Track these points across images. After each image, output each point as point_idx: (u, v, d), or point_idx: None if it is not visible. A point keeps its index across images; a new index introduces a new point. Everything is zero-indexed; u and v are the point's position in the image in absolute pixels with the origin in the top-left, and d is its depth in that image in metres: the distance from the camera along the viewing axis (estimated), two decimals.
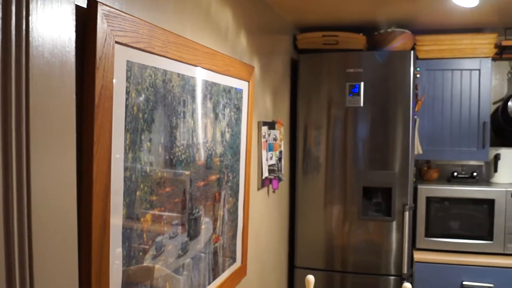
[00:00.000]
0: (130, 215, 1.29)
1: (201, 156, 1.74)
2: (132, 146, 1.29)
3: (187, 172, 1.63)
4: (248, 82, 2.17)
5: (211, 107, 1.79)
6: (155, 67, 1.39)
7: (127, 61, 1.25)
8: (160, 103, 1.42)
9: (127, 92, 1.26)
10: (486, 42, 3.25)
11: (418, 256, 3.15)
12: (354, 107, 3.09)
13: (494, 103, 3.63)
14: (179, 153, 1.56)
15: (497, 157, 3.37)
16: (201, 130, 1.72)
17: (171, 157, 1.51)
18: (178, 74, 1.52)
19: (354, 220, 3.14)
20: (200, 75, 1.69)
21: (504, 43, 3.30)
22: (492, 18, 3.05)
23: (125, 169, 1.27)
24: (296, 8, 2.86)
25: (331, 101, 3.14)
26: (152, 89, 1.38)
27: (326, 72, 3.14)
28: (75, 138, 1.02)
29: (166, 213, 1.49)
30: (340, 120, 3.14)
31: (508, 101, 3.39)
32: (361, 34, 3.21)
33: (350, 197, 3.14)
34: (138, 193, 1.33)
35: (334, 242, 3.19)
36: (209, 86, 1.77)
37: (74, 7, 1.00)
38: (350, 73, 3.08)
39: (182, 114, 1.56)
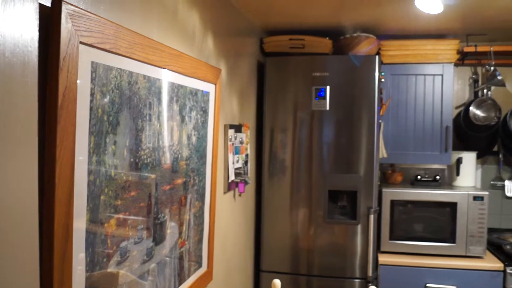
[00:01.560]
0: (94, 220, 1.26)
1: (167, 159, 1.71)
2: (97, 149, 1.26)
3: (152, 176, 1.60)
4: (215, 84, 2.16)
5: (177, 109, 1.77)
6: (120, 69, 1.36)
7: (92, 62, 1.22)
8: (125, 105, 1.40)
9: (92, 94, 1.23)
10: (448, 48, 3.32)
11: (382, 259, 3.18)
12: (320, 110, 3.11)
13: (457, 107, 3.71)
14: (145, 156, 1.53)
15: (459, 161, 3.44)
16: (167, 133, 1.70)
17: (137, 160, 1.48)
18: (144, 76, 1.50)
19: (319, 223, 3.15)
20: (166, 77, 1.66)
21: (466, 49, 3.38)
22: (455, 24, 3.12)
23: (89, 172, 1.23)
24: (262, 11, 2.86)
25: (297, 104, 3.15)
26: (118, 91, 1.35)
27: (292, 76, 3.15)
28: (37, 140, 0.99)
29: (131, 218, 1.46)
30: (306, 123, 3.15)
31: (469, 106, 3.47)
32: (327, 38, 3.23)
33: (315, 200, 3.15)
34: (102, 197, 1.30)
35: (300, 245, 3.19)
36: (176, 89, 1.75)
37: (37, 6, 0.97)
38: (316, 76, 3.10)
39: (148, 116, 1.53)
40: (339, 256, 3.13)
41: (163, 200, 1.71)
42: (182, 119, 1.82)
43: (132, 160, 1.45)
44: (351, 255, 3.12)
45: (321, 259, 3.16)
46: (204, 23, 2.13)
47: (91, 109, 1.23)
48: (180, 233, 1.89)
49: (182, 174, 1.86)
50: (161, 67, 1.61)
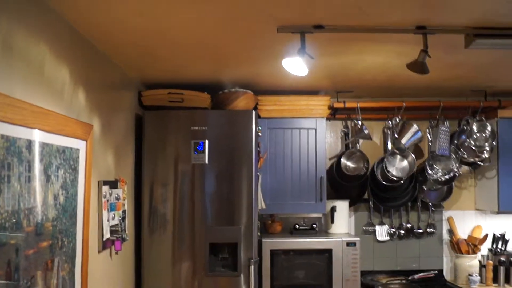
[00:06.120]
0: None
1: (30, 222, 1.62)
2: None
3: (12, 241, 1.50)
4: (86, 141, 2.10)
5: (42, 169, 1.69)
6: None
7: None
8: None
9: None
10: (320, 104, 3.53)
11: None
12: (200, 164, 3.13)
13: (330, 159, 3.92)
14: (3, 220, 1.44)
15: (333, 209, 3.62)
16: (30, 195, 1.61)
17: None
18: (3, 136, 1.42)
19: (202, 276, 3.12)
20: (29, 136, 1.59)
21: (336, 105, 3.62)
22: (325, 82, 3.34)
23: None
24: (140, 66, 2.87)
25: (178, 158, 3.15)
26: None
27: (172, 129, 3.16)
28: None
29: None
30: (187, 177, 3.15)
31: (341, 157, 3.69)
32: (206, 93, 3.30)
33: (198, 253, 3.13)
34: None
35: None
36: (40, 147, 1.68)
37: None
38: (195, 130, 3.13)
39: (6, 178, 1.45)
40: None
41: (26, 266, 1.60)
42: (48, 179, 1.75)
43: None
44: None
45: None
46: (75, 78, 2.08)
47: None
48: None
49: (48, 237, 1.77)
50: (23, 126, 1.54)
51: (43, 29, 1.78)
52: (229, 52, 2.57)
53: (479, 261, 3.85)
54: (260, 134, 3.39)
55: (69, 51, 2.03)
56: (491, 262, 3.77)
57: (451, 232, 3.98)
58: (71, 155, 1.95)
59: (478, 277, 3.73)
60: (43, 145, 1.70)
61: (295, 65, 2.36)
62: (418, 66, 2.24)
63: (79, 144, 2.04)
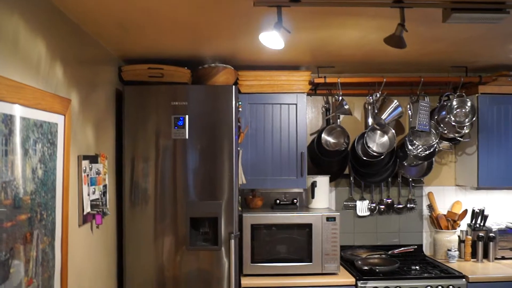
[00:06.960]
0: None
1: (8, 195, 1.63)
2: None
3: None
4: (64, 115, 2.10)
5: (19, 143, 1.69)
6: None
7: None
8: None
9: None
10: (301, 79, 3.54)
11: (245, 281, 3.27)
12: (181, 139, 3.14)
13: (311, 134, 3.95)
14: None
15: (313, 185, 3.66)
16: (7, 168, 1.61)
17: None
18: None
19: (183, 250, 3.16)
20: (5, 110, 1.59)
21: (317, 80, 3.63)
22: (305, 57, 3.35)
23: None
24: (120, 41, 2.84)
25: (158, 133, 3.16)
26: None
27: (152, 105, 3.15)
28: None
29: None
30: (168, 152, 3.16)
31: (322, 133, 3.72)
32: (186, 68, 3.28)
33: (180, 228, 3.16)
34: None
35: (165, 274, 3.17)
36: (16, 121, 1.67)
37: None
38: (176, 106, 3.13)
39: None
40: (204, 281, 3.16)
41: (4, 238, 1.62)
42: (26, 153, 1.75)
43: None
44: (216, 280, 3.16)
45: (187, 286, 3.16)
46: (52, 52, 2.07)
47: None
48: (26, 271, 1.80)
49: (26, 210, 1.77)
50: None
51: (17, 1, 1.76)
52: (206, 26, 2.55)
53: (458, 236, 3.93)
54: (240, 109, 3.40)
55: (45, 24, 2.01)
56: (469, 237, 3.84)
57: (431, 207, 4.04)
58: (49, 129, 1.95)
59: (457, 252, 3.81)
60: (20, 119, 1.70)
61: (272, 39, 2.36)
62: (395, 40, 2.25)
63: (57, 119, 2.04)
